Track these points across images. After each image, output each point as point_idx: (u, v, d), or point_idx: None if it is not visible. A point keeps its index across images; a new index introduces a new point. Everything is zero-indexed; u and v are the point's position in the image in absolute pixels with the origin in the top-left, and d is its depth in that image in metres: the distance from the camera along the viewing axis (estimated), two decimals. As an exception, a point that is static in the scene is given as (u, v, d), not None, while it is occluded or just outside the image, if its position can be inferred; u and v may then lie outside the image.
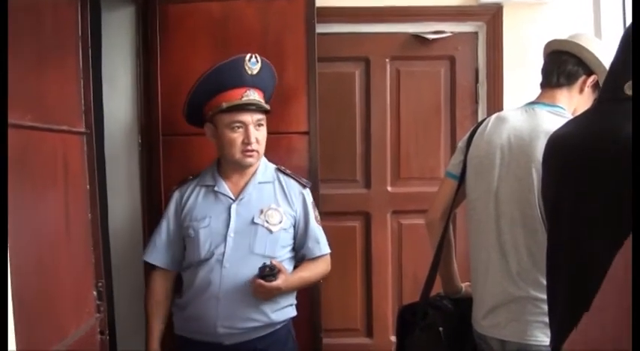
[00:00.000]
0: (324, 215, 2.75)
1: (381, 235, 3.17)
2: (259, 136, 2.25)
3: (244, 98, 2.22)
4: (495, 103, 3.05)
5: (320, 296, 2.70)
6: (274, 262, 2.17)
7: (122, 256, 2.64)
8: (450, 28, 3.11)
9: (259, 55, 2.27)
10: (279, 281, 2.15)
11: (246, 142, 2.22)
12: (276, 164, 2.45)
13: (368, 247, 3.18)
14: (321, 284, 2.67)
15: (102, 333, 1.95)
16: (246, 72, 2.23)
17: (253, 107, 2.23)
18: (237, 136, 2.22)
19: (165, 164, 2.71)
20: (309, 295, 2.64)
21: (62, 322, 1.72)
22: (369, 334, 3.20)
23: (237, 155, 2.24)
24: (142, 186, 2.79)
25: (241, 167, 2.30)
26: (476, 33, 3.15)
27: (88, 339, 1.86)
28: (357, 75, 3.17)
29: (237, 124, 2.22)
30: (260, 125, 2.25)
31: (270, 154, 2.50)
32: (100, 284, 1.96)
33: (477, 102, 3.15)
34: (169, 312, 2.34)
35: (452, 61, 3.16)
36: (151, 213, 2.67)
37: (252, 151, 2.24)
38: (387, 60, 3.15)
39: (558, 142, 1.58)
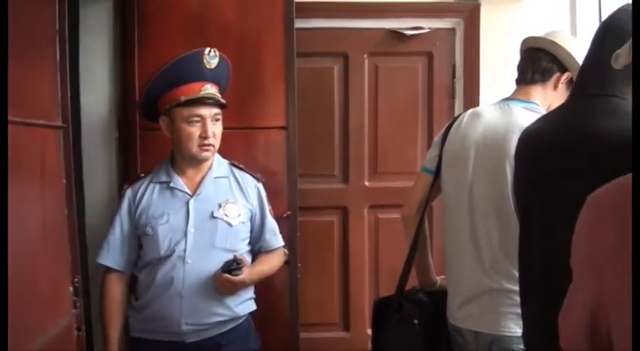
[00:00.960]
0: (302, 210, 2.77)
1: (359, 229, 3.20)
2: (216, 130, 2.23)
3: (202, 92, 2.21)
4: (472, 99, 3.09)
5: (297, 290, 2.71)
6: (238, 255, 2.17)
7: (99, 252, 2.62)
8: (427, 24, 3.14)
9: (216, 50, 2.26)
10: (244, 275, 2.15)
11: (204, 136, 2.20)
12: (254, 158, 2.45)
13: (345, 241, 3.20)
14: (298, 278, 2.68)
15: (79, 329, 1.94)
16: (205, 66, 2.22)
17: (211, 101, 2.22)
18: (195, 130, 2.20)
19: (143, 159, 2.68)
20: (286, 290, 2.66)
21: (39, 319, 1.70)
22: (346, 328, 3.23)
23: (194, 149, 2.21)
24: (119, 181, 2.76)
25: (197, 162, 2.27)
26: (453, 29, 3.18)
27: (65, 335, 1.85)
28: (336, 70, 3.18)
29: (195, 118, 2.20)
30: (217, 120, 2.24)
31: (249, 149, 2.51)
32: (76, 280, 1.93)
33: (453, 97, 3.19)
34: (126, 315, 2.29)
35: (429, 57, 3.19)
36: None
37: (209, 145, 2.22)
38: (366, 56, 3.17)
39: (531, 138, 1.61)
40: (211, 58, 2.24)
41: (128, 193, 2.31)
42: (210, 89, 2.23)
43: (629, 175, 0.89)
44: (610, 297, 0.86)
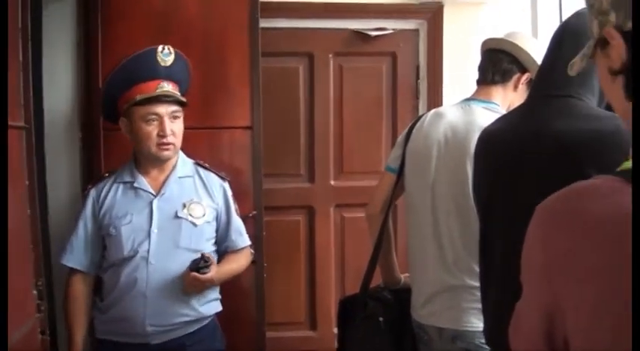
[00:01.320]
0: (268, 210, 2.77)
1: (325, 228, 3.22)
2: (175, 128, 2.20)
3: (159, 90, 2.18)
4: (435, 99, 3.14)
5: (264, 290, 2.72)
6: (206, 254, 2.16)
7: (62, 253, 2.59)
8: (391, 25, 3.17)
9: (171, 47, 2.24)
10: (212, 273, 2.14)
11: (162, 134, 2.17)
12: (219, 158, 2.44)
13: (311, 240, 3.22)
14: (265, 278, 2.69)
15: (43, 333, 1.90)
16: (159, 63, 2.20)
17: (168, 99, 2.19)
18: (152, 129, 2.17)
19: (107, 160, 2.66)
20: (253, 290, 2.66)
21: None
22: (313, 327, 3.25)
23: (153, 148, 2.19)
24: (83, 181, 2.73)
25: (159, 161, 2.25)
26: (417, 30, 3.22)
27: (28, 339, 1.82)
28: (301, 70, 3.20)
29: (152, 117, 2.17)
30: (176, 117, 2.21)
31: (213, 148, 2.50)
32: (39, 283, 1.91)
33: (417, 97, 3.23)
34: (91, 316, 2.27)
35: (393, 57, 3.22)
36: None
37: (168, 144, 2.19)
38: (331, 56, 3.19)
39: (490, 137, 1.65)
40: (165, 56, 2.21)
41: (92, 193, 2.28)
42: (167, 87, 2.20)
43: (580, 183, 0.89)
44: (566, 303, 0.85)
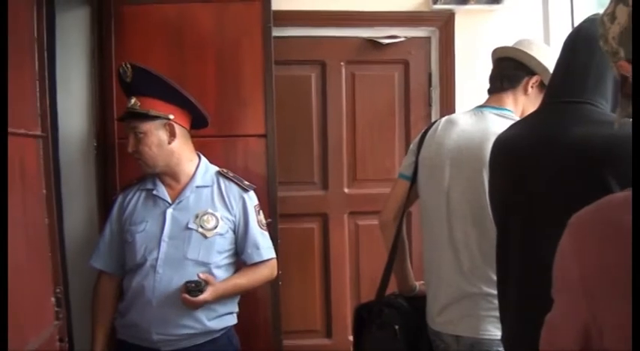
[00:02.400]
0: (282, 217, 2.77)
1: (339, 236, 3.21)
2: (141, 145, 2.22)
3: (127, 107, 2.24)
4: (448, 106, 3.13)
5: (279, 298, 2.72)
6: (202, 275, 2.14)
7: (78, 261, 2.60)
8: (403, 33, 3.17)
9: (129, 63, 2.24)
10: (206, 295, 2.12)
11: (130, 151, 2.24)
12: (234, 166, 2.44)
13: (326, 248, 3.21)
14: (280, 286, 2.69)
15: (61, 340, 1.92)
16: (125, 81, 2.23)
17: (126, 116, 2.24)
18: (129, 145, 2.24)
19: (121, 168, 2.68)
20: (269, 298, 2.66)
21: (21, 330, 1.68)
22: (329, 335, 3.23)
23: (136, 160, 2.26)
24: (98, 190, 2.75)
25: (164, 173, 2.28)
26: (429, 38, 3.22)
27: (47, 346, 1.83)
28: (314, 78, 3.20)
29: (128, 133, 2.25)
30: (140, 133, 2.21)
31: (229, 156, 2.50)
32: (58, 290, 1.92)
33: (430, 105, 3.23)
34: (114, 317, 2.31)
35: (405, 65, 3.22)
36: (107, 217, 2.63)
37: (137, 158, 2.24)
38: (343, 64, 3.20)
39: (505, 144, 1.64)
40: (124, 73, 2.23)
41: (119, 198, 2.34)
42: (133, 103, 2.22)
43: (610, 197, 0.88)
44: (605, 320, 0.83)
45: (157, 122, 2.22)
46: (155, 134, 2.21)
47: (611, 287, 0.82)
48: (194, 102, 2.29)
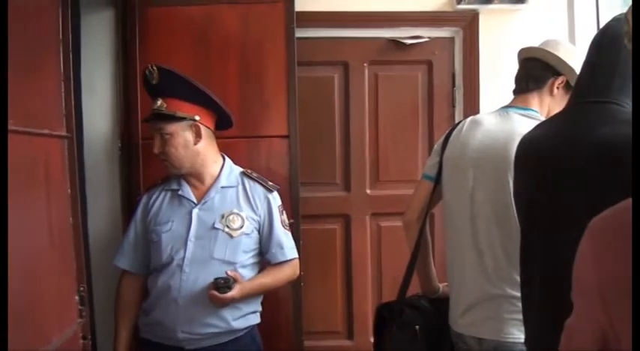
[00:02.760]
0: (305, 218, 2.77)
1: (361, 237, 3.20)
2: (167, 146, 2.23)
3: (153, 108, 2.25)
4: (472, 107, 3.10)
5: (301, 299, 2.72)
6: (230, 273, 2.15)
7: (102, 261, 2.63)
8: (427, 33, 3.15)
9: (155, 65, 2.25)
10: (234, 292, 2.13)
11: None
12: (256, 167, 2.45)
13: (348, 249, 3.21)
14: (302, 287, 2.69)
15: (84, 338, 1.95)
16: (152, 82, 2.24)
17: (152, 118, 2.25)
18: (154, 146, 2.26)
19: (145, 168, 2.70)
20: (291, 298, 2.66)
21: (45, 328, 1.71)
22: (350, 336, 3.22)
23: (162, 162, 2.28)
24: (122, 190, 2.78)
25: (189, 174, 2.30)
26: (452, 38, 3.20)
27: (71, 344, 1.86)
28: (336, 79, 3.20)
29: (153, 134, 2.26)
30: (166, 134, 2.22)
31: (252, 157, 2.51)
32: (82, 289, 1.95)
33: (453, 106, 3.20)
34: (137, 315, 2.33)
35: (429, 65, 3.20)
36: (131, 217, 2.66)
37: (163, 159, 2.26)
38: (366, 64, 3.19)
39: (531, 144, 1.62)
40: (150, 75, 2.24)
41: (144, 199, 2.37)
42: (160, 104, 2.23)
43: (627, 200, 0.88)
44: (621, 326, 0.84)
45: (183, 123, 2.23)
46: (181, 135, 2.23)
47: (626, 292, 0.81)
48: (220, 103, 2.30)
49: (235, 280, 2.15)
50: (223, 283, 2.12)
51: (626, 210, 0.86)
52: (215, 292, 2.11)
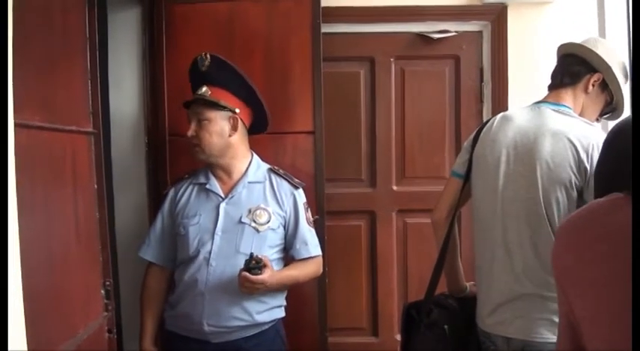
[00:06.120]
0: (330, 214, 2.76)
1: (387, 234, 3.18)
2: (202, 130, 2.25)
3: (197, 94, 2.26)
4: (500, 103, 3.05)
5: (326, 295, 2.71)
6: (260, 255, 2.14)
7: (128, 255, 2.65)
8: (454, 27, 3.11)
9: (209, 53, 2.30)
10: (265, 275, 2.11)
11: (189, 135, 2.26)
12: (282, 163, 2.45)
13: (373, 246, 3.19)
14: (327, 283, 2.68)
15: (110, 331, 1.97)
16: (201, 69, 2.27)
17: (197, 102, 2.26)
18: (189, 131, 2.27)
19: (172, 165, 2.72)
20: (315, 295, 2.66)
21: (71, 321, 1.73)
22: (375, 333, 3.21)
23: (191, 148, 2.29)
24: (149, 186, 2.80)
25: (217, 165, 2.31)
26: (480, 32, 3.15)
27: (96, 337, 1.88)
28: (362, 74, 3.17)
29: (191, 118, 2.27)
30: (204, 120, 2.25)
31: (278, 153, 2.51)
32: (107, 283, 1.97)
33: (481, 101, 3.16)
34: (163, 308, 2.35)
35: (456, 60, 3.16)
36: (157, 210, 2.68)
37: (195, 144, 2.26)
38: (392, 59, 3.16)
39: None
40: (201, 61, 2.27)
41: (171, 192, 2.39)
42: (204, 90, 2.26)
43: (593, 201, 1.01)
44: (579, 313, 0.97)
45: (223, 113, 2.26)
46: (219, 123, 2.26)
47: (578, 285, 0.97)
48: (262, 102, 2.34)
49: (265, 265, 2.13)
50: (255, 264, 2.09)
51: (586, 211, 1.01)
52: (247, 274, 2.09)
